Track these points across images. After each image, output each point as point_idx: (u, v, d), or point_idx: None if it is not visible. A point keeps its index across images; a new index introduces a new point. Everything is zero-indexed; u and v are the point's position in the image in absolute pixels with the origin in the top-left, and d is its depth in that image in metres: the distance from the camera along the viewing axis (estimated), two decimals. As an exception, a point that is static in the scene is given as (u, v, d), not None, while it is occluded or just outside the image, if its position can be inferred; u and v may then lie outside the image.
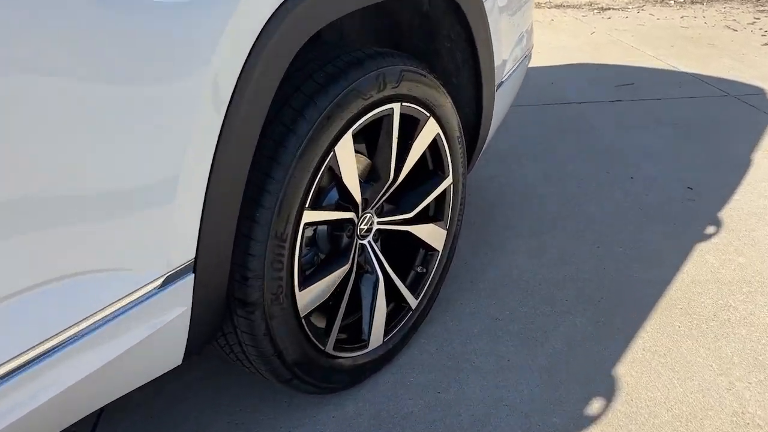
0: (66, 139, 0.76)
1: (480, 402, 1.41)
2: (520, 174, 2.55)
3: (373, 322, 1.40)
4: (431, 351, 1.57)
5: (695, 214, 2.20)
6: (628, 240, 2.05)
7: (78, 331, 0.85)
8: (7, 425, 0.80)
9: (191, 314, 1.02)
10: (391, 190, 1.39)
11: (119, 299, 0.89)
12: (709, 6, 6.33)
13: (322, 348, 1.30)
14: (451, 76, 1.61)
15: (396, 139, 1.32)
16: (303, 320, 1.23)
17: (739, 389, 1.43)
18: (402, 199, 1.45)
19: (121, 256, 0.87)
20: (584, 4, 6.61)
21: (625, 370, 1.49)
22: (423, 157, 1.46)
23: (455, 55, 1.56)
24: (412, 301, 1.52)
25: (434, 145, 1.45)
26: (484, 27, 1.49)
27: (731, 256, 1.94)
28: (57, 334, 0.83)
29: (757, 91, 3.51)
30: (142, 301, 0.92)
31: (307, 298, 1.22)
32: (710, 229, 2.10)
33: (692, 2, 6.49)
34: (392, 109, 1.27)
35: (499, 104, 1.75)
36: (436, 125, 1.41)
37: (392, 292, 1.46)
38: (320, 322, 1.34)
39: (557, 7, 6.54)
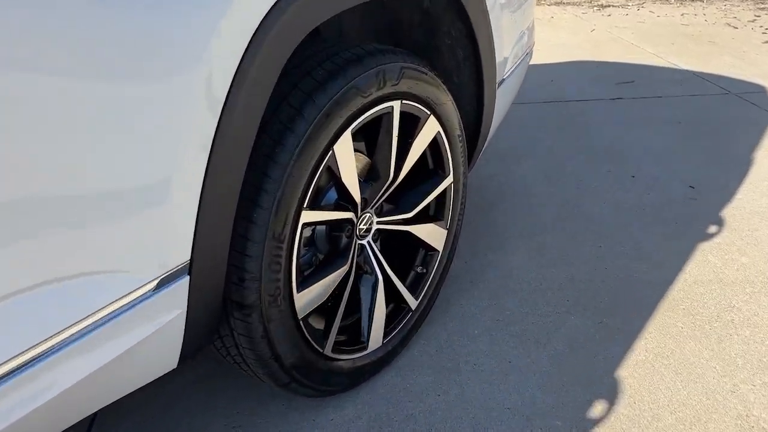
0: (57, 139, 0.73)
1: (481, 405, 1.39)
2: (520, 173, 2.52)
3: (372, 323, 1.38)
4: (431, 352, 1.55)
5: (697, 213, 2.18)
6: (629, 240, 2.03)
7: (69, 336, 0.83)
8: (-4, 433, 0.77)
9: (186, 317, 0.99)
10: (391, 189, 1.36)
11: (111, 302, 0.86)
12: (709, 3, 6.30)
13: (321, 350, 1.28)
14: (451, 74, 1.58)
15: (396, 138, 1.29)
16: (301, 322, 1.20)
17: (743, 392, 1.41)
18: (402, 198, 1.43)
19: (113, 258, 0.85)
20: (584, 1, 6.59)
21: (627, 372, 1.47)
22: (423, 155, 1.44)
23: (456, 53, 1.53)
24: (412, 302, 1.50)
25: (435, 144, 1.43)
26: (486, 24, 1.47)
27: (734, 256, 1.92)
28: (46, 339, 0.80)
29: (759, 89, 3.49)
30: (136, 304, 0.90)
31: (306, 299, 1.20)
32: (712, 229, 2.08)
33: None
34: (392, 107, 1.25)
35: (501, 102, 1.73)
36: (437, 123, 1.39)
37: (392, 292, 1.43)
38: (318, 324, 1.32)
39: (557, 4, 6.52)
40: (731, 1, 6.41)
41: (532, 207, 2.25)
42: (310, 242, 1.30)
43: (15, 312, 0.76)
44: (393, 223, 1.41)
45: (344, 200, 1.25)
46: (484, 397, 1.41)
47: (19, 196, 0.72)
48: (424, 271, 1.54)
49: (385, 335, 1.44)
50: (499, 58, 1.59)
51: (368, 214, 1.34)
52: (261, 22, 0.91)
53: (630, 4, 6.40)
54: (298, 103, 1.06)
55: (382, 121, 1.26)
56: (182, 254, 0.93)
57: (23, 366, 0.79)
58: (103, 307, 0.85)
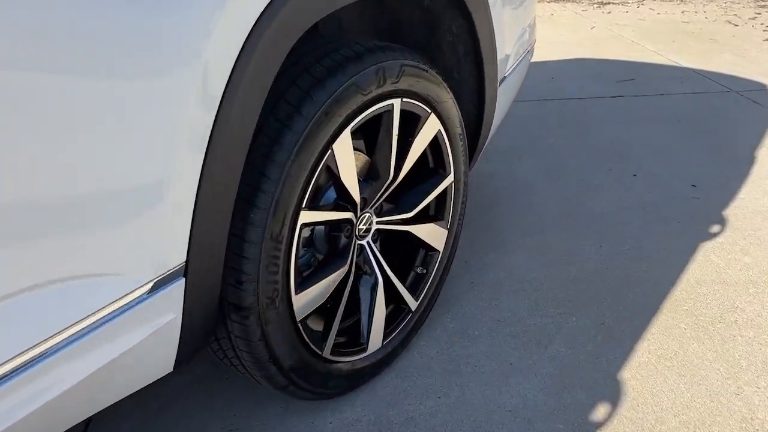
0: (48, 140, 0.71)
1: (482, 407, 1.37)
2: (521, 171, 2.50)
3: (372, 325, 1.36)
4: (431, 354, 1.53)
5: (699, 212, 2.16)
6: (631, 239, 2.01)
7: (61, 340, 0.81)
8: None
9: (182, 320, 0.97)
10: (391, 188, 1.34)
11: (105, 306, 0.84)
12: (709, 1, 6.28)
13: (320, 353, 1.26)
14: (452, 71, 1.56)
15: (396, 137, 1.27)
16: (299, 324, 1.18)
17: (747, 394, 1.39)
18: (402, 198, 1.40)
19: (105, 260, 0.82)
20: (584, -1, 6.55)
21: (630, 374, 1.45)
22: (423, 154, 1.42)
23: (457, 50, 1.51)
24: (412, 303, 1.48)
25: (435, 143, 1.40)
26: (488, 20, 1.44)
27: (737, 256, 1.91)
28: (37, 344, 0.78)
29: (760, 87, 3.47)
30: (130, 308, 0.87)
31: (304, 301, 1.18)
32: (715, 228, 2.06)
33: (692, -3, 6.44)
34: (392, 105, 1.23)
35: (502, 100, 1.70)
36: (438, 122, 1.37)
37: (391, 293, 1.41)
38: (317, 326, 1.30)
39: (557, 1, 6.48)
40: (731, -2, 6.38)
41: (533, 206, 2.23)
42: (308, 243, 1.28)
43: (5, 317, 0.74)
44: (393, 223, 1.39)
45: (343, 200, 1.22)
46: (485, 400, 1.39)
47: (9, 198, 0.70)
48: (425, 271, 1.52)
49: (385, 337, 1.42)
50: (500, 56, 1.57)
51: (368, 214, 1.32)
52: (258, 17, 0.89)
53: (630, 1, 6.37)
54: (297, 101, 1.03)
55: (382, 119, 1.23)
56: (177, 256, 0.91)
57: (9, 373, 0.76)
58: (95, 312, 0.83)
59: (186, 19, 0.80)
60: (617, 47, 4.45)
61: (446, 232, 1.53)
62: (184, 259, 0.92)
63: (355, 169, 1.19)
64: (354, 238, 1.30)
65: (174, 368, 1.04)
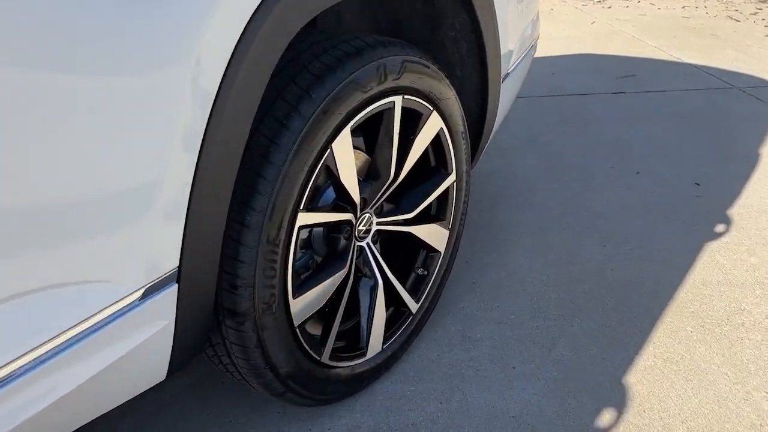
0: (34, 141, 0.67)
1: (484, 413, 1.34)
2: (522, 169, 2.46)
3: (371, 328, 1.32)
4: (432, 358, 1.49)
5: (703, 211, 2.13)
6: (634, 239, 1.97)
7: (47, 350, 0.77)
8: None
9: (175, 326, 0.93)
10: (392, 188, 1.30)
11: (94, 314, 0.80)
12: (710, -4, 6.23)
13: (318, 358, 1.22)
14: (455, 68, 1.52)
15: (397, 135, 1.23)
16: (297, 330, 1.14)
17: (756, 399, 1.36)
18: (402, 198, 1.36)
19: (94, 266, 0.79)
20: (584, -6, 6.50)
21: (636, 378, 1.42)
22: (425, 153, 1.38)
23: (460, 45, 1.46)
24: (413, 306, 1.44)
25: (437, 141, 1.36)
26: (491, 15, 1.40)
27: (742, 257, 1.87)
28: (24, 354, 0.75)
29: (763, 83, 3.44)
30: (120, 315, 0.84)
31: (302, 305, 1.14)
32: (720, 228, 2.03)
33: (693, -8, 6.39)
34: (393, 102, 1.18)
35: (505, 97, 1.66)
36: (440, 119, 1.33)
37: (392, 296, 1.38)
38: (315, 331, 1.26)
39: (556, -4, 6.43)
40: (732, -7, 6.33)
41: (535, 205, 2.19)
42: (306, 245, 1.24)
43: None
44: (393, 224, 1.35)
45: (343, 201, 1.18)
46: (488, 405, 1.35)
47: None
48: (426, 273, 1.48)
49: (385, 340, 1.38)
50: (504, 51, 1.53)
51: (368, 215, 1.28)
52: (254, 12, 0.85)
53: (630, -4, 6.31)
54: (295, 99, 0.99)
55: (382, 117, 1.19)
56: (170, 261, 0.87)
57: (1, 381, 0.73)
58: (83, 320, 0.79)
59: (178, 15, 0.76)
60: (618, 43, 4.41)
61: (448, 232, 1.49)
62: (177, 264, 0.88)
63: (354, 169, 1.15)
64: (353, 239, 1.26)
65: (167, 375, 1.00)
